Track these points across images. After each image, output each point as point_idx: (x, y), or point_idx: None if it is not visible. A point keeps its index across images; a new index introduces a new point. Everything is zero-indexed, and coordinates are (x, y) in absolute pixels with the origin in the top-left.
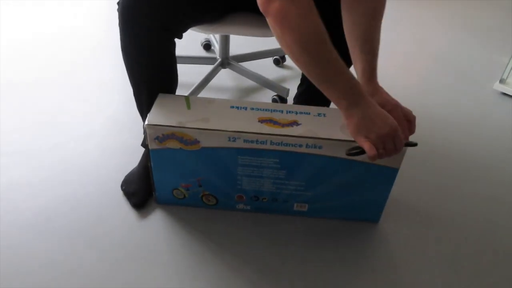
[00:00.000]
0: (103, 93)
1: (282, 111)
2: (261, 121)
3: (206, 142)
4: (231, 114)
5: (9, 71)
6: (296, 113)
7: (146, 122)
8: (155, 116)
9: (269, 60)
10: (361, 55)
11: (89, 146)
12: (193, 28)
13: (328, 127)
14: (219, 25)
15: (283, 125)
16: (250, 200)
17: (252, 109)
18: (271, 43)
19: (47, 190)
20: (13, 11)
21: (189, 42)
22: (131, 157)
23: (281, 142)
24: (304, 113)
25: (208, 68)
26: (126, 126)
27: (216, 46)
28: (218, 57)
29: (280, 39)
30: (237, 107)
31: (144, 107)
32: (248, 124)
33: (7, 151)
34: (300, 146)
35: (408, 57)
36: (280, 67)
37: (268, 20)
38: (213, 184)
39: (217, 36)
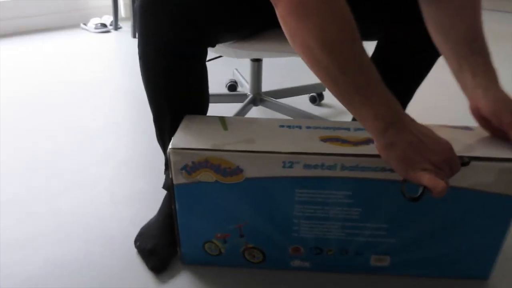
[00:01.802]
0: (114, 134)
1: (348, 129)
2: (324, 140)
3: (252, 170)
4: (283, 135)
5: (8, 108)
6: (334, 129)
7: (170, 146)
8: (182, 139)
9: (304, 98)
10: (472, 58)
11: (96, 194)
12: (225, 44)
13: None
14: (255, 41)
15: (356, 144)
16: (310, 253)
17: (309, 127)
18: (305, 78)
19: (40, 250)
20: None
21: (212, 85)
22: (148, 206)
23: (357, 165)
24: (344, 128)
25: (237, 106)
26: (141, 171)
27: (245, 84)
28: (249, 93)
29: (293, 36)
30: (289, 126)
31: (166, 135)
32: (309, 144)
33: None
34: (383, 170)
35: None
36: (316, 105)
37: (278, 11)
38: (260, 232)
39: (245, 73)
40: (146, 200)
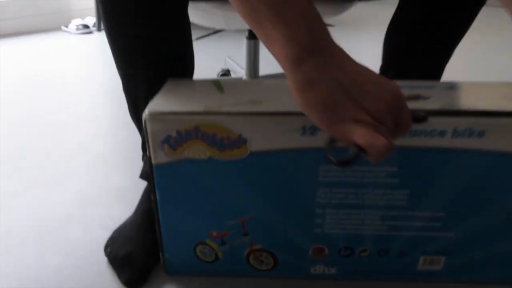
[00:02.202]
0: (91, 129)
1: None
2: None
3: (260, 141)
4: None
5: None
6: (411, 87)
7: (147, 112)
8: (163, 101)
9: None
10: None
11: (60, 193)
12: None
13: (480, 99)
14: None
15: None
16: (338, 255)
17: None
18: None
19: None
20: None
21: (203, 76)
22: (123, 205)
23: None
24: (425, 87)
25: None
26: (117, 166)
27: (239, 71)
28: (244, 77)
29: None
30: None
31: (142, 107)
32: None
33: None
34: (442, 134)
35: None
36: None
37: None
38: (271, 228)
39: (239, 59)
40: (121, 199)
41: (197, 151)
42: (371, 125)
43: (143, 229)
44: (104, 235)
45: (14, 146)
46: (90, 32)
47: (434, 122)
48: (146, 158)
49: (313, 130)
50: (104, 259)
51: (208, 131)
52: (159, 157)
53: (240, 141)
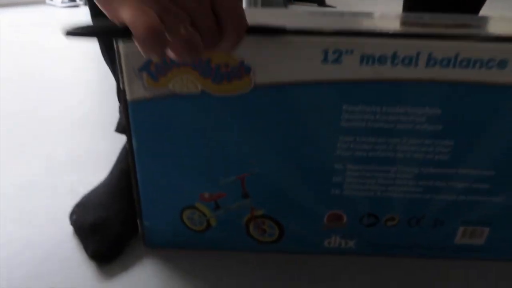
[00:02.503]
0: (70, 95)
1: (420, 17)
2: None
3: (267, 70)
4: (320, 18)
5: None
6: (454, 18)
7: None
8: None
9: None
10: None
11: (24, 157)
12: None
13: None
14: None
15: (447, 26)
16: (358, 224)
17: (355, 15)
18: None
19: None
20: None
21: None
22: (99, 170)
23: (456, 56)
24: (470, 19)
25: None
26: (94, 130)
27: None
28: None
29: None
30: (324, 13)
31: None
32: (368, 23)
33: None
34: (502, 65)
35: None
36: None
37: None
38: (277, 189)
39: None
40: (97, 164)
41: (185, 82)
42: (161, 8)
43: (118, 192)
44: (73, 203)
45: None
46: (77, 6)
47: (491, 48)
48: (122, 106)
49: (338, 55)
50: (69, 229)
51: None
52: (137, 90)
53: (242, 70)
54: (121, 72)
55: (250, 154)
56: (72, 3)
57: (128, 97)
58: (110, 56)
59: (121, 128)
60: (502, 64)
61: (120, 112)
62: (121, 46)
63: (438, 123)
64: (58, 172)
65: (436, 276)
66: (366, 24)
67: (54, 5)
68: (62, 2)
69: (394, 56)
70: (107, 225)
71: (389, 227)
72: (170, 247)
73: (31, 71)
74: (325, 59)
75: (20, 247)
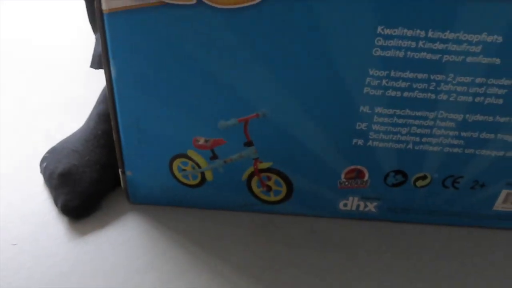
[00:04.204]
0: (51, 45)
1: None
2: None
3: None
4: None
5: None
6: None
7: None
8: None
9: None
10: None
11: None
12: None
13: None
14: None
15: None
16: (382, 183)
17: None
18: None
19: None
20: None
21: None
22: (79, 116)
23: None
24: None
25: None
26: (74, 75)
27: None
28: None
29: None
30: None
31: None
32: None
33: None
34: None
35: None
36: None
37: None
38: (286, 137)
39: None
40: (76, 110)
41: None
42: None
43: (96, 138)
44: (45, 150)
45: None
46: None
47: None
48: (97, 36)
49: None
50: (39, 178)
51: None
52: (115, 1)
53: None
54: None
55: (256, 89)
56: None
57: (104, 6)
58: None
59: (97, 61)
60: None
61: (96, 37)
62: None
63: (497, 56)
64: (32, 118)
65: (472, 247)
66: None
67: None
68: None
69: None
70: (80, 174)
71: (419, 187)
72: (157, 204)
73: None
74: None
75: None
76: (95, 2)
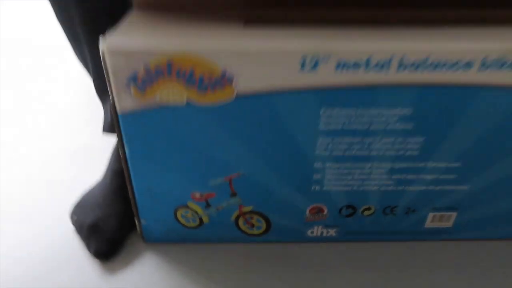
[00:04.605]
0: (51, 82)
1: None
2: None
3: (249, 79)
4: (296, 28)
5: None
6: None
7: (106, 44)
8: (126, 32)
9: None
10: None
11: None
12: None
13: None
14: None
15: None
16: (338, 215)
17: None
18: None
19: None
20: None
21: None
22: (91, 165)
23: (426, 59)
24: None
25: None
26: (83, 123)
27: None
28: None
29: None
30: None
31: (82, 40)
32: (343, 31)
33: None
34: (467, 67)
35: None
36: None
37: None
38: (263, 187)
39: None
40: (89, 160)
41: (171, 93)
42: None
43: (113, 192)
44: (71, 201)
45: None
46: None
47: (458, 51)
48: (106, 106)
49: (315, 63)
50: (70, 228)
51: (184, 67)
52: (125, 102)
53: (225, 80)
54: (110, 85)
55: (235, 158)
56: None
57: (118, 109)
58: (79, 50)
59: (108, 127)
60: (467, 65)
61: (105, 110)
62: (108, 62)
63: (409, 122)
64: (54, 168)
65: (411, 256)
66: (342, 31)
67: None
68: None
69: (368, 62)
70: (104, 225)
71: (366, 216)
72: (167, 242)
73: (20, 64)
74: (302, 67)
75: (22, 245)
76: (111, 105)
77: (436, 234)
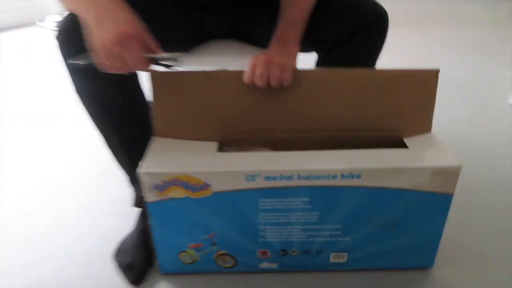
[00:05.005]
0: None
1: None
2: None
3: (219, 185)
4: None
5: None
6: None
7: (142, 170)
8: (150, 162)
9: None
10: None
11: (72, 210)
12: None
13: (365, 154)
14: (190, 57)
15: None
16: (276, 255)
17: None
18: None
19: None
20: None
21: None
22: (125, 220)
23: (311, 175)
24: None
25: None
26: (112, 184)
27: None
28: None
29: None
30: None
31: (119, 156)
32: (268, 159)
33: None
34: (334, 177)
35: None
36: None
37: None
38: (230, 239)
39: None
40: (120, 212)
41: (176, 193)
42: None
43: (141, 243)
44: (109, 246)
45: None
46: None
47: (329, 169)
48: (136, 192)
49: (253, 177)
50: (115, 266)
51: (183, 180)
52: (152, 197)
53: (206, 186)
54: (144, 189)
55: (214, 225)
56: None
57: (147, 200)
58: (118, 160)
59: (138, 204)
60: (334, 176)
61: (135, 193)
62: (143, 178)
63: (308, 205)
64: (94, 218)
65: (321, 280)
66: (267, 159)
67: (45, 27)
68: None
69: (281, 176)
70: (135, 265)
71: (293, 256)
72: (173, 273)
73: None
74: (247, 179)
75: (87, 276)
76: (141, 196)
77: (338, 266)
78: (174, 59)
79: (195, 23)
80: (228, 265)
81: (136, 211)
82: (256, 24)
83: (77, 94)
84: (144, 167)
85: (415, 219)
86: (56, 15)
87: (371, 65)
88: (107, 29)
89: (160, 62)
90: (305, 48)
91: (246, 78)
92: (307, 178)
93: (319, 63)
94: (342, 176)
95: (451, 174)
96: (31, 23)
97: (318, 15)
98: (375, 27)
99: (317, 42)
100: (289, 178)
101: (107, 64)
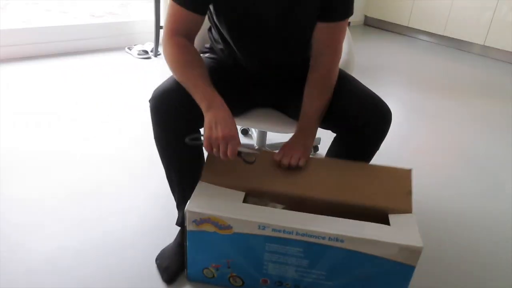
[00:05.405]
0: (147, 169)
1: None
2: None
3: (239, 228)
4: (259, 210)
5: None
6: None
7: (187, 208)
8: (194, 203)
9: None
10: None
11: (130, 221)
12: None
13: (351, 224)
14: (240, 119)
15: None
16: (274, 284)
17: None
18: None
19: (90, 261)
20: None
21: None
22: (167, 234)
23: (306, 233)
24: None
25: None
26: (166, 204)
27: (254, 133)
28: (255, 145)
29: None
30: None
31: (175, 187)
32: (276, 216)
33: (59, 217)
34: (323, 238)
35: (434, 152)
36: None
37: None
38: (241, 266)
39: None
40: (166, 229)
41: (208, 228)
42: (210, 141)
43: (177, 253)
44: (155, 252)
45: (92, 176)
46: (149, 57)
47: (320, 232)
48: (180, 214)
49: (264, 227)
50: (154, 265)
51: (214, 220)
52: (191, 227)
53: (229, 227)
54: (186, 221)
55: (232, 254)
56: (145, 55)
57: (188, 229)
58: (173, 190)
59: (179, 224)
60: (323, 237)
61: (179, 215)
62: (186, 215)
63: (302, 254)
64: (147, 234)
65: None
66: (276, 216)
67: (131, 54)
68: (138, 54)
69: (284, 230)
70: (171, 267)
71: (287, 287)
72: (197, 282)
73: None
74: (259, 228)
75: (134, 271)
76: (182, 218)
77: None
78: (255, 152)
79: (250, 96)
80: (238, 285)
81: (178, 229)
82: (292, 101)
83: (156, 139)
84: (189, 206)
85: (383, 279)
86: (141, 45)
87: (375, 147)
88: (218, 131)
89: (241, 155)
90: (328, 127)
91: (276, 157)
92: (303, 235)
93: (336, 140)
94: (329, 238)
95: (414, 251)
96: (120, 48)
97: (342, 108)
98: (385, 119)
99: (337, 126)
100: (290, 232)
101: (209, 148)
